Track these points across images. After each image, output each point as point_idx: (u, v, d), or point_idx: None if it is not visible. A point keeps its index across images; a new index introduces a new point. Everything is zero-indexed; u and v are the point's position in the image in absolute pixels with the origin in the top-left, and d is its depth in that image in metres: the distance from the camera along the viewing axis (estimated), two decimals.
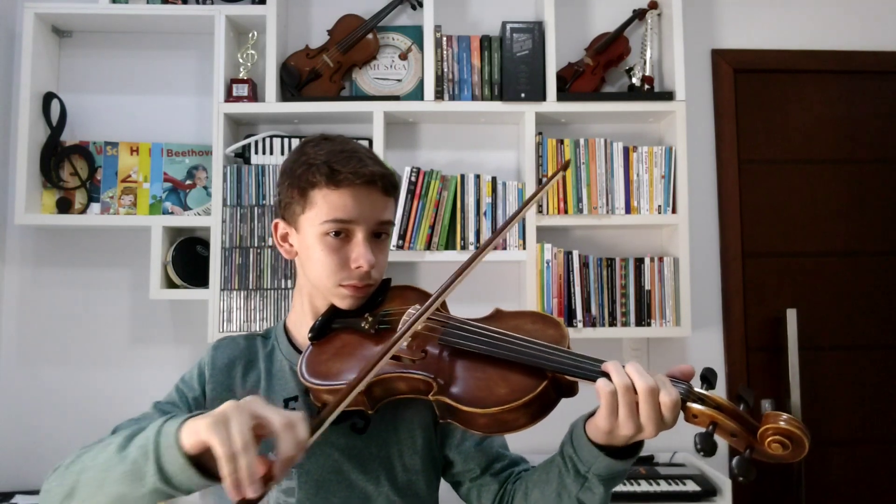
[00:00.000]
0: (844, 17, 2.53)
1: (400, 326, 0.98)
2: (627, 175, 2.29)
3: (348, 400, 0.82)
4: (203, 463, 0.75)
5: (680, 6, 2.31)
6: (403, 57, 2.41)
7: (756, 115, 2.52)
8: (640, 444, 0.88)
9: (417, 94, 2.36)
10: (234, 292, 2.18)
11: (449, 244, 2.24)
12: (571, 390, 0.89)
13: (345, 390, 0.83)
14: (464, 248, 2.24)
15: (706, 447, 0.76)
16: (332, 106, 2.27)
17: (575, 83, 2.36)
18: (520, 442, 1.12)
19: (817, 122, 2.53)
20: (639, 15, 2.42)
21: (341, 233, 1.00)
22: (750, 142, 2.51)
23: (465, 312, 1.03)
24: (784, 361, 2.38)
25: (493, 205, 2.27)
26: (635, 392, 0.80)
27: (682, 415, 0.82)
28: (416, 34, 2.40)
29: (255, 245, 2.20)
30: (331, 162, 0.99)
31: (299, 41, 2.44)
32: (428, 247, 2.22)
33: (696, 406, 0.80)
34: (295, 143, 2.28)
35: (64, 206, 2.28)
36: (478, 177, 2.27)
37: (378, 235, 1.04)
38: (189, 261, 2.26)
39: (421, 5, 2.34)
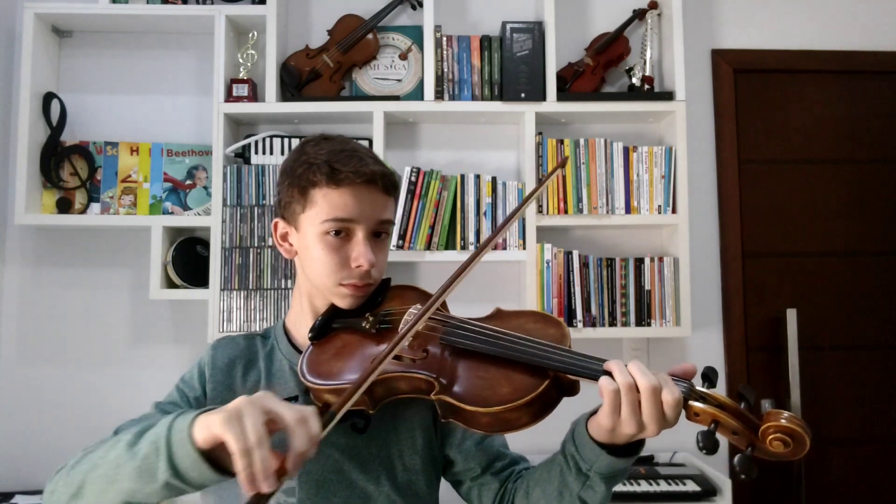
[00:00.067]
0: (844, 17, 2.53)
1: (401, 326, 0.99)
2: (627, 175, 2.29)
3: (358, 394, 0.83)
4: (215, 458, 0.75)
5: (680, 6, 2.31)
6: (403, 57, 2.41)
7: (756, 115, 2.52)
8: (641, 442, 0.89)
9: (417, 94, 2.36)
10: (234, 292, 2.18)
11: (449, 244, 2.24)
12: (573, 389, 0.89)
13: (354, 385, 0.83)
14: (464, 248, 2.24)
15: (708, 445, 0.77)
16: (332, 106, 2.27)
17: (575, 83, 2.36)
18: (520, 442, 1.12)
19: (817, 122, 2.53)
20: (639, 15, 2.42)
21: (341, 232, 1.00)
22: (750, 142, 2.51)
23: (466, 312, 1.03)
24: (784, 361, 2.38)
25: (493, 205, 2.27)
26: (638, 391, 0.81)
27: (683, 413, 0.82)
28: (416, 34, 2.41)
29: (255, 245, 2.20)
30: (331, 161, 0.99)
31: (299, 41, 2.44)
32: (428, 247, 2.22)
33: (697, 404, 0.81)
34: (295, 143, 2.28)
35: (64, 206, 2.28)
36: (478, 177, 2.27)
37: (378, 235, 1.04)
38: (189, 261, 2.26)
39: (421, 5, 2.34)
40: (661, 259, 2.28)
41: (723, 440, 0.79)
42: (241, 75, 2.32)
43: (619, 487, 2.03)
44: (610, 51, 2.38)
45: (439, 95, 2.29)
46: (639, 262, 2.28)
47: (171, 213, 2.30)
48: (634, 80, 2.37)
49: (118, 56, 2.43)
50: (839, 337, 2.47)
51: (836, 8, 2.54)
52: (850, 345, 2.47)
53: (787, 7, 2.53)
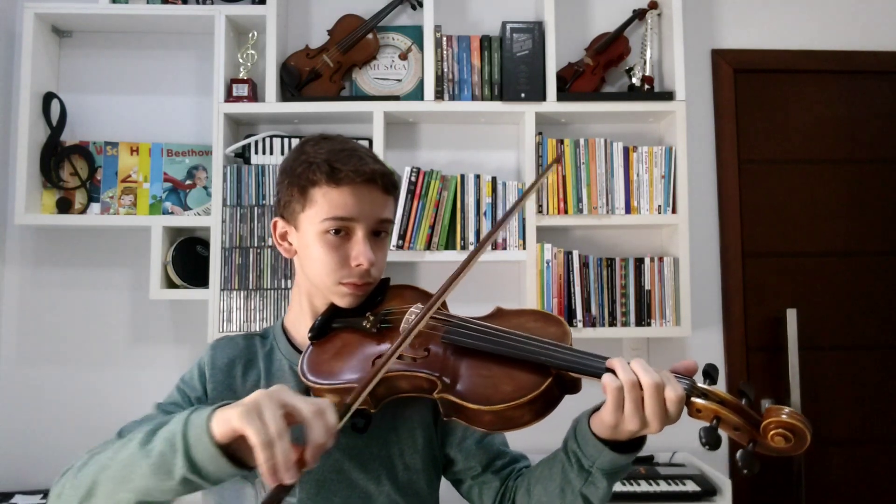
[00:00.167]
0: (844, 17, 2.53)
1: (402, 325, 0.99)
2: (627, 175, 2.29)
3: (372, 385, 0.83)
4: (232, 452, 0.76)
5: (680, 6, 2.31)
6: (403, 57, 2.41)
7: (756, 115, 2.52)
8: (642, 438, 0.89)
9: (417, 94, 2.36)
10: (234, 292, 2.18)
11: (449, 244, 2.24)
12: (575, 387, 0.90)
13: (370, 375, 0.83)
14: (464, 248, 2.24)
15: (711, 441, 0.77)
16: (332, 106, 2.28)
17: (575, 83, 2.36)
18: (520, 441, 1.12)
19: (817, 122, 2.53)
20: (639, 15, 2.43)
21: (341, 231, 1.00)
22: (750, 142, 2.51)
23: (466, 312, 1.03)
24: (784, 361, 2.38)
25: (493, 205, 2.27)
26: (641, 388, 0.81)
27: (685, 409, 0.83)
28: (416, 34, 2.41)
29: (255, 245, 2.20)
30: (331, 160, 0.99)
31: (299, 41, 2.44)
32: (428, 247, 2.22)
33: (699, 401, 0.82)
34: (295, 143, 2.28)
35: (64, 206, 2.28)
36: (478, 177, 2.27)
37: (378, 234, 1.04)
38: (189, 261, 2.26)
39: (421, 5, 2.34)
40: (661, 259, 2.28)
41: (723, 437, 0.80)
42: (241, 75, 2.32)
43: (619, 487, 2.03)
44: (610, 51, 2.38)
45: (439, 95, 2.29)
46: (639, 262, 2.28)
47: (171, 213, 2.30)
48: (634, 80, 2.37)
49: (118, 56, 2.43)
50: (839, 337, 2.47)
51: (836, 8, 2.54)
52: (850, 345, 2.47)
53: (787, 7, 2.53)
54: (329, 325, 1.04)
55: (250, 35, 2.35)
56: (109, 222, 2.25)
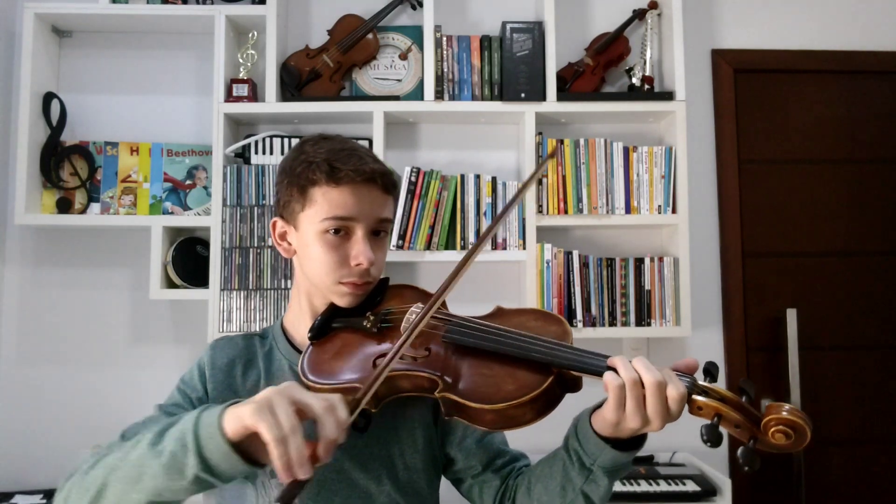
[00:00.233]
0: (844, 17, 2.53)
1: (403, 324, 0.99)
2: (627, 175, 2.29)
3: (379, 381, 0.84)
4: (244, 449, 0.76)
5: (680, 6, 2.31)
6: (403, 57, 2.41)
7: (756, 115, 2.52)
8: (643, 436, 0.90)
9: (417, 94, 2.36)
10: (234, 292, 2.18)
11: (449, 244, 2.24)
12: (576, 385, 0.91)
13: (379, 370, 0.84)
14: (464, 248, 2.24)
15: (712, 438, 0.78)
16: (332, 106, 2.28)
17: (575, 83, 2.36)
18: (520, 441, 1.12)
19: (817, 122, 2.53)
20: (639, 15, 2.43)
21: (341, 230, 1.00)
22: (750, 142, 2.51)
23: (466, 312, 1.03)
24: (784, 361, 2.38)
25: (494, 205, 2.26)
26: (642, 386, 0.82)
27: (686, 407, 0.83)
28: (416, 34, 2.41)
29: (255, 245, 2.20)
30: (331, 160, 0.99)
31: (299, 41, 2.44)
32: (428, 247, 2.22)
33: (700, 398, 0.82)
34: (295, 143, 2.28)
35: (64, 206, 2.28)
36: (478, 177, 2.27)
37: (377, 233, 1.04)
38: (189, 261, 2.26)
39: (421, 5, 2.34)
40: (661, 259, 2.28)
41: (724, 435, 0.80)
42: (241, 75, 2.32)
43: (619, 487, 2.03)
44: (610, 51, 2.38)
45: (439, 95, 2.29)
46: (639, 262, 2.28)
47: (171, 213, 2.30)
48: (634, 80, 2.37)
49: (118, 56, 2.43)
50: (839, 337, 2.47)
51: (836, 8, 2.54)
52: (850, 345, 2.47)
53: (787, 7, 2.53)
54: (329, 324, 1.04)
55: (250, 35, 2.35)
56: (109, 222, 2.25)
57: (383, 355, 0.96)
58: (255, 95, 2.32)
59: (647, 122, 2.44)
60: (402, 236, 2.21)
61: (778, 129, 2.53)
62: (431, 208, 2.23)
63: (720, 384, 0.84)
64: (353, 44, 2.34)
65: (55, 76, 2.39)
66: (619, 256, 2.29)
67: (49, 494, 2.21)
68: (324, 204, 0.99)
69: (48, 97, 2.29)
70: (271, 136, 2.30)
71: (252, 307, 2.18)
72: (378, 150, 2.23)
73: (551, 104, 2.28)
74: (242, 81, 2.29)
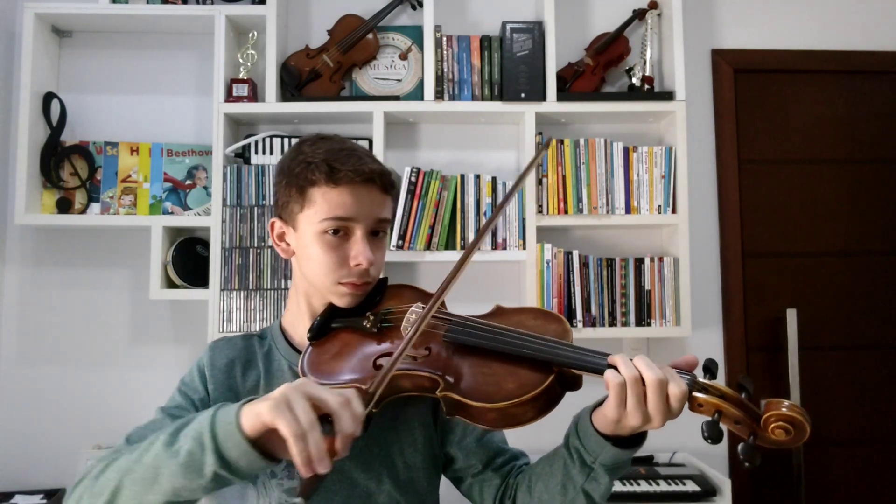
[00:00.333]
0: (844, 17, 2.53)
1: (403, 324, 0.99)
2: (627, 175, 2.29)
3: (390, 375, 0.85)
4: (261, 445, 0.77)
5: (680, 6, 2.31)
6: (403, 57, 2.41)
7: (756, 115, 2.52)
8: (643, 434, 0.90)
9: (417, 94, 2.36)
10: (234, 292, 2.18)
11: (449, 244, 2.24)
12: (576, 384, 0.91)
13: (390, 362, 0.85)
14: (464, 248, 2.24)
15: (713, 434, 0.79)
16: (332, 106, 2.28)
17: (575, 83, 2.36)
18: (520, 441, 1.12)
19: (817, 122, 2.53)
20: (639, 15, 2.43)
21: (340, 231, 1.00)
22: (750, 142, 2.51)
23: (466, 312, 1.03)
24: (784, 361, 2.38)
25: (493, 205, 2.26)
26: (643, 384, 0.82)
27: (686, 404, 0.84)
28: (416, 34, 2.41)
29: (255, 245, 2.20)
30: (330, 160, 0.99)
31: (299, 41, 2.44)
32: (428, 247, 2.22)
33: (700, 395, 0.83)
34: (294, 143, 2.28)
35: (64, 206, 2.28)
36: (478, 177, 2.27)
37: (376, 234, 1.04)
38: (189, 261, 2.26)
39: (421, 5, 2.34)
40: (661, 259, 2.28)
41: (722, 444, 0.81)
42: (241, 75, 2.32)
43: (619, 487, 2.03)
44: (610, 51, 2.38)
45: (439, 95, 2.29)
46: (639, 262, 2.28)
47: (171, 213, 2.30)
48: (634, 80, 2.37)
49: (118, 56, 2.43)
50: (839, 337, 2.47)
51: (836, 8, 2.54)
52: (850, 345, 2.47)
53: (787, 7, 2.53)
54: (328, 325, 1.04)
55: (250, 35, 2.35)
56: (109, 222, 2.25)
57: (384, 355, 0.96)
58: (255, 95, 2.32)
59: (647, 122, 2.44)
60: (402, 236, 2.21)
61: (778, 129, 2.53)
62: (431, 208, 2.23)
63: (720, 383, 0.85)
64: (353, 44, 2.34)
65: (55, 76, 2.39)
66: (619, 256, 2.29)
67: (49, 494, 2.21)
68: (323, 204, 0.99)
69: (48, 97, 2.29)
70: (271, 136, 2.30)
71: (252, 307, 2.18)
72: (378, 150, 2.23)
73: (551, 104, 2.28)
74: (242, 81, 2.29)
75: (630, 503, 2.02)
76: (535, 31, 2.31)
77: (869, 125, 2.53)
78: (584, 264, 2.26)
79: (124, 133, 2.38)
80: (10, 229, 2.35)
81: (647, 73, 2.37)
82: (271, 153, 2.28)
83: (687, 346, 2.40)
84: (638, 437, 0.90)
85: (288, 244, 1.07)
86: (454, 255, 2.22)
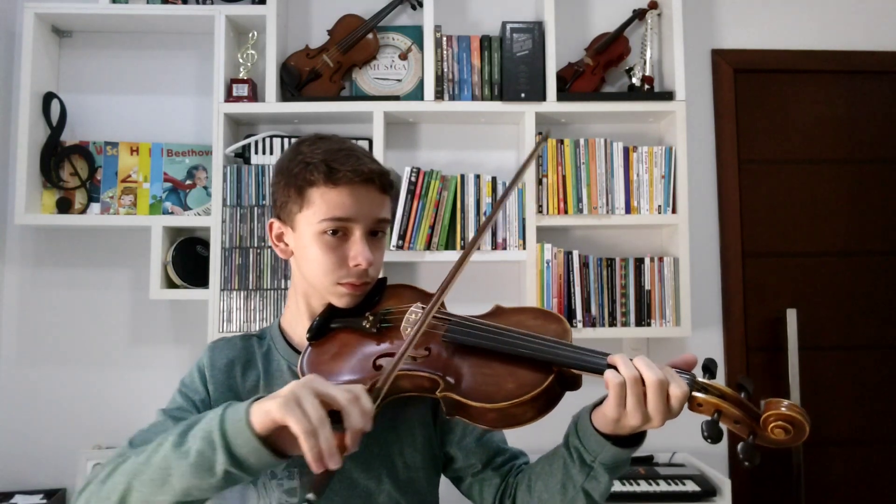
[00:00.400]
0: (844, 17, 2.53)
1: (403, 324, 0.99)
2: (627, 175, 2.29)
3: (395, 372, 0.86)
4: (271, 442, 0.79)
5: (680, 6, 2.31)
6: (403, 57, 2.41)
7: (756, 115, 2.52)
8: (643, 433, 0.90)
9: (417, 94, 2.36)
10: (234, 292, 2.18)
11: (449, 244, 2.24)
12: (575, 384, 0.91)
13: (397, 357, 0.86)
14: (464, 248, 2.24)
15: (713, 434, 0.79)
16: (332, 106, 2.28)
17: (575, 83, 2.36)
18: (519, 440, 1.12)
19: (817, 122, 2.53)
20: (639, 15, 2.43)
21: (339, 231, 1.00)
22: (750, 142, 2.51)
23: (465, 312, 1.03)
24: (784, 361, 2.38)
25: (493, 205, 2.26)
26: (643, 384, 0.82)
27: (686, 404, 0.84)
28: (416, 34, 2.41)
29: (255, 245, 2.20)
30: (328, 160, 0.98)
31: (299, 41, 2.44)
32: (428, 247, 2.22)
33: (700, 395, 0.83)
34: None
35: (64, 206, 2.28)
36: (478, 177, 2.27)
37: (375, 234, 1.04)
38: (189, 261, 2.26)
39: (421, 5, 2.34)
40: (661, 259, 2.28)
41: (721, 444, 0.81)
42: (241, 75, 2.32)
43: (619, 487, 2.03)
44: (610, 51, 2.38)
45: (439, 95, 2.29)
46: (639, 262, 2.28)
47: (171, 213, 2.30)
48: (634, 80, 2.37)
49: (118, 56, 2.43)
50: (839, 337, 2.47)
51: (836, 8, 2.54)
52: (850, 345, 2.47)
53: (787, 7, 2.53)
54: (327, 325, 1.04)
55: (250, 35, 2.35)
56: (109, 222, 2.25)
57: (384, 355, 0.96)
58: (255, 95, 2.32)
59: (647, 122, 2.44)
60: (402, 236, 2.21)
61: (778, 129, 2.53)
62: (431, 208, 2.22)
63: (719, 382, 0.85)
64: (353, 44, 2.34)
65: (55, 76, 2.39)
66: (619, 256, 2.29)
67: (49, 494, 2.21)
68: (322, 205, 0.99)
69: (48, 97, 2.29)
70: (271, 136, 2.30)
71: (252, 307, 2.18)
72: (378, 150, 2.23)
73: (551, 104, 2.28)
74: (242, 81, 2.29)
75: (630, 503, 2.02)
76: (535, 31, 2.31)
77: (869, 125, 2.53)
78: (584, 264, 2.26)
79: (124, 133, 2.38)
80: (10, 229, 2.35)
81: (647, 73, 2.37)
82: (271, 153, 2.28)
83: (687, 346, 2.40)
84: (637, 437, 0.90)
85: (286, 245, 1.07)
86: (454, 256, 2.21)
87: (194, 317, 2.36)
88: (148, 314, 2.37)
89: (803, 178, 2.51)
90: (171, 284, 2.25)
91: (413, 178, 2.23)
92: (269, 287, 2.19)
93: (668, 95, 2.31)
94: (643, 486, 2.04)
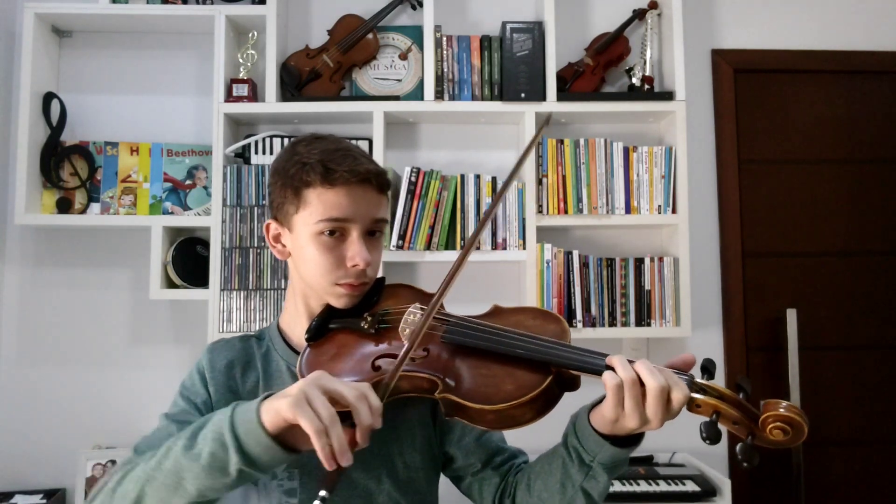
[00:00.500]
0: (844, 17, 2.53)
1: (401, 324, 0.99)
2: (627, 175, 2.29)
3: (400, 370, 0.87)
4: (282, 440, 0.80)
5: (680, 6, 2.31)
6: (403, 57, 2.41)
7: (756, 115, 2.52)
8: (642, 433, 0.90)
9: (417, 94, 2.36)
10: (234, 292, 2.18)
11: (449, 244, 2.24)
12: (574, 384, 0.91)
13: (402, 354, 0.87)
14: (464, 248, 2.23)
15: (712, 435, 0.80)
16: (332, 106, 2.28)
17: (575, 83, 2.36)
18: (518, 440, 1.12)
19: (817, 122, 2.53)
20: (639, 15, 2.42)
21: (336, 231, 0.99)
22: (750, 142, 2.51)
23: (465, 312, 1.03)
24: (784, 361, 2.38)
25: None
26: (641, 385, 0.82)
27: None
28: (416, 34, 2.41)
29: (255, 245, 2.20)
30: (325, 161, 0.98)
31: (299, 41, 2.44)
32: (428, 247, 2.22)
33: (699, 396, 0.83)
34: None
35: (64, 206, 2.28)
36: (478, 177, 2.27)
37: (372, 234, 1.04)
38: (189, 261, 2.26)
39: (421, 5, 2.34)
40: (661, 259, 2.28)
41: (721, 445, 0.81)
42: (241, 75, 2.32)
43: (619, 487, 2.03)
44: (610, 51, 2.38)
45: (439, 95, 2.29)
46: (639, 262, 2.28)
47: (171, 213, 2.30)
48: (634, 80, 2.37)
49: (118, 56, 2.43)
50: (839, 337, 2.47)
51: (836, 8, 2.54)
52: (850, 345, 2.47)
53: (787, 7, 2.53)
54: (326, 326, 1.03)
55: (250, 35, 2.35)
56: (109, 222, 2.25)
57: (383, 356, 0.96)
58: (255, 95, 2.32)
59: (647, 122, 2.44)
60: (402, 236, 2.21)
61: (778, 129, 2.53)
62: (431, 208, 2.22)
63: (718, 383, 0.85)
64: (353, 44, 2.34)
65: (55, 76, 2.39)
66: (619, 256, 2.29)
67: (49, 494, 2.21)
68: (319, 205, 0.98)
69: (48, 97, 2.29)
70: (271, 136, 2.30)
71: (252, 307, 2.18)
72: (378, 150, 2.23)
73: (551, 104, 2.28)
74: (242, 81, 2.29)
75: (630, 503, 2.02)
76: (535, 31, 2.31)
77: (869, 125, 2.53)
78: (584, 264, 2.26)
79: (124, 133, 2.38)
80: (10, 229, 2.36)
81: (647, 73, 2.37)
82: (271, 153, 2.28)
83: (687, 346, 2.40)
84: (636, 436, 0.90)
85: (284, 246, 1.06)
86: (454, 255, 2.21)
87: (194, 317, 2.36)
88: (148, 314, 2.37)
89: (803, 178, 2.51)
90: (171, 284, 2.25)
91: (413, 178, 2.23)
92: (269, 287, 2.19)
93: (668, 95, 2.31)
94: (643, 486, 2.04)
